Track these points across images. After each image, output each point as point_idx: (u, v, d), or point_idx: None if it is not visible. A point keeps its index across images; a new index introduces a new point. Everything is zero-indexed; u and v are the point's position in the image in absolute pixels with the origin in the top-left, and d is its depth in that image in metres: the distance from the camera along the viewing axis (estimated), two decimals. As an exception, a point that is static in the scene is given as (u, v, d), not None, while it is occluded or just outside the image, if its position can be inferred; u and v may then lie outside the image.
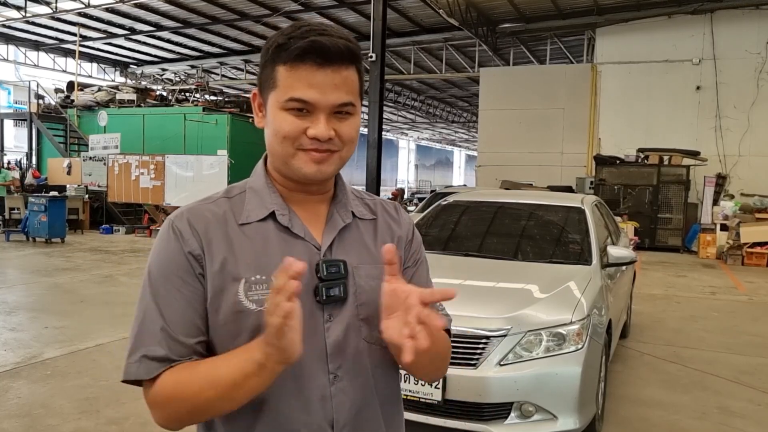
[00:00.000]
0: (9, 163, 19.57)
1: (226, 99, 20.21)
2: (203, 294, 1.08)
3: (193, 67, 25.62)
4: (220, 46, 22.75)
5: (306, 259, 1.03)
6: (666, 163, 15.22)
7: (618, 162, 15.69)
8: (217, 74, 26.02)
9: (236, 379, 0.99)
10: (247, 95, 29.14)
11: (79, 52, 21.07)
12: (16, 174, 18.02)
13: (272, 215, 1.12)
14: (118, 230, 15.81)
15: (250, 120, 17.70)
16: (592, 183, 15.67)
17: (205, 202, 1.15)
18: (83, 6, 17.55)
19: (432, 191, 20.62)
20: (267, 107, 1.11)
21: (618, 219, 10.58)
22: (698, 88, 16.31)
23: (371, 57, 12.07)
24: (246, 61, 24.30)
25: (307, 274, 1.01)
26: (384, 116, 13.74)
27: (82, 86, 20.20)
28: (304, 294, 1.01)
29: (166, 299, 1.07)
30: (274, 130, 1.09)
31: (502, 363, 3.31)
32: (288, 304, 0.89)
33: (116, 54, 24.64)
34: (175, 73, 27.15)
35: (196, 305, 1.07)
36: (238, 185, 1.19)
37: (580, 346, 3.40)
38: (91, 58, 24.92)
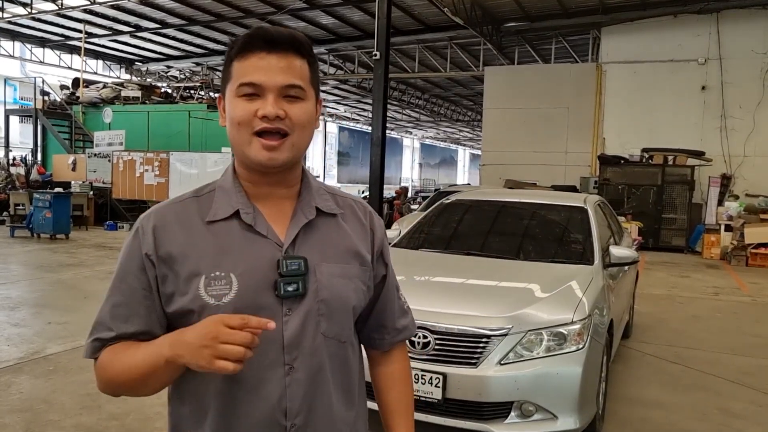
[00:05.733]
0: (14, 159, 19.64)
1: (231, 96, 20.20)
2: (153, 290, 1.16)
3: (198, 64, 25.65)
4: (225, 44, 22.70)
5: (268, 255, 1.16)
6: (671, 163, 15.17)
7: (622, 162, 15.65)
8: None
9: (145, 370, 1.10)
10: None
11: (85, 48, 21.12)
12: (21, 170, 18.10)
13: (237, 214, 1.18)
14: (123, 227, 15.85)
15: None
16: (596, 183, 15.63)
17: (173, 201, 1.23)
18: (89, 3, 17.58)
19: (436, 190, 20.61)
20: (225, 102, 1.18)
21: (622, 219, 10.56)
22: (703, 88, 16.25)
23: (376, 55, 12.06)
24: (251, 59, 24.30)
25: (267, 268, 1.15)
26: (388, 115, 13.72)
27: (88, 83, 20.27)
28: (265, 288, 1.14)
29: (119, 294, 1.18)
30: (230, 118, 1.15)
31: (502, 362, 3.31)
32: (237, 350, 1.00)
33: (121, 51, 24.67)
34: (180, 71, 27.18)
35: (145, 301, 1.16)
36: (209, 184, 1.26)
37: (581, 346, 3.40)
38: (97, 55, 24.96)
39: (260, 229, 1.18)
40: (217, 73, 25.83)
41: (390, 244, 1.21)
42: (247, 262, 1.15)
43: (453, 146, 60.73)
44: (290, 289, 1.14)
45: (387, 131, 13.05)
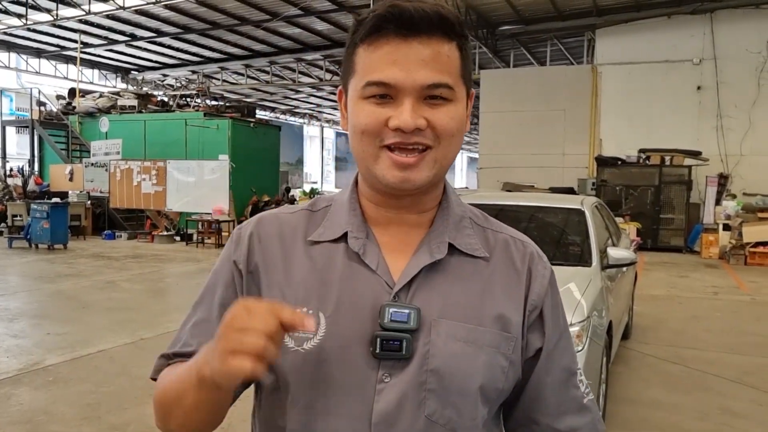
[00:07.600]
0: (11, 170, 19.64)
1: (227, 104, 20.29)
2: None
3: (194, 72, 25.66)
4: (220, 51, 22.77)
5: (371, 297, 0.88)
6: (668, 163, 15.21)
7: (619, 163, 15.69)
8: (218, 79, 26.04)
9: (180, 389, 0.85)
10: (247, 99, 29.21)
11: (81, 58, 21.12)
12: (19, 181, 18.09)
13: (345, 237, 0.92)
14: (120, 236, 15.83)
15: (251, 124, 17.75)
16: (593, 184, 15.66)
17: (283, 211, 1.00)
18: (84, 13, 17.58)
19: (433, 194, 20.59)
20: (348, 101, 0.91)
21: (620, 220, 10.56)
22: (699, 88, 16.29)
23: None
24: (246, 66, 24.31)
25: (367, 314, 0.87)
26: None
27: (84, 93, 20.28)
28: (358, 340, 0.86)
29: (201, 312, 0.95)
30: (352, 125, 0.89)
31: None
32: (256, 343, 0.71)
33: (117, 60, 24.70)
34: (176, 79, 27.19)
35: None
36: (329, 197, 1.01)
37: (579, 348, 3.40)
38: (93, 65, 24.97)
39: (369, 261, 0.90)
40: (213, 80, 25.88)
41: None
42: (344, 301, 0.88)
43: (450, 150, 60.82)
44: (390, 347, 0.85)
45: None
